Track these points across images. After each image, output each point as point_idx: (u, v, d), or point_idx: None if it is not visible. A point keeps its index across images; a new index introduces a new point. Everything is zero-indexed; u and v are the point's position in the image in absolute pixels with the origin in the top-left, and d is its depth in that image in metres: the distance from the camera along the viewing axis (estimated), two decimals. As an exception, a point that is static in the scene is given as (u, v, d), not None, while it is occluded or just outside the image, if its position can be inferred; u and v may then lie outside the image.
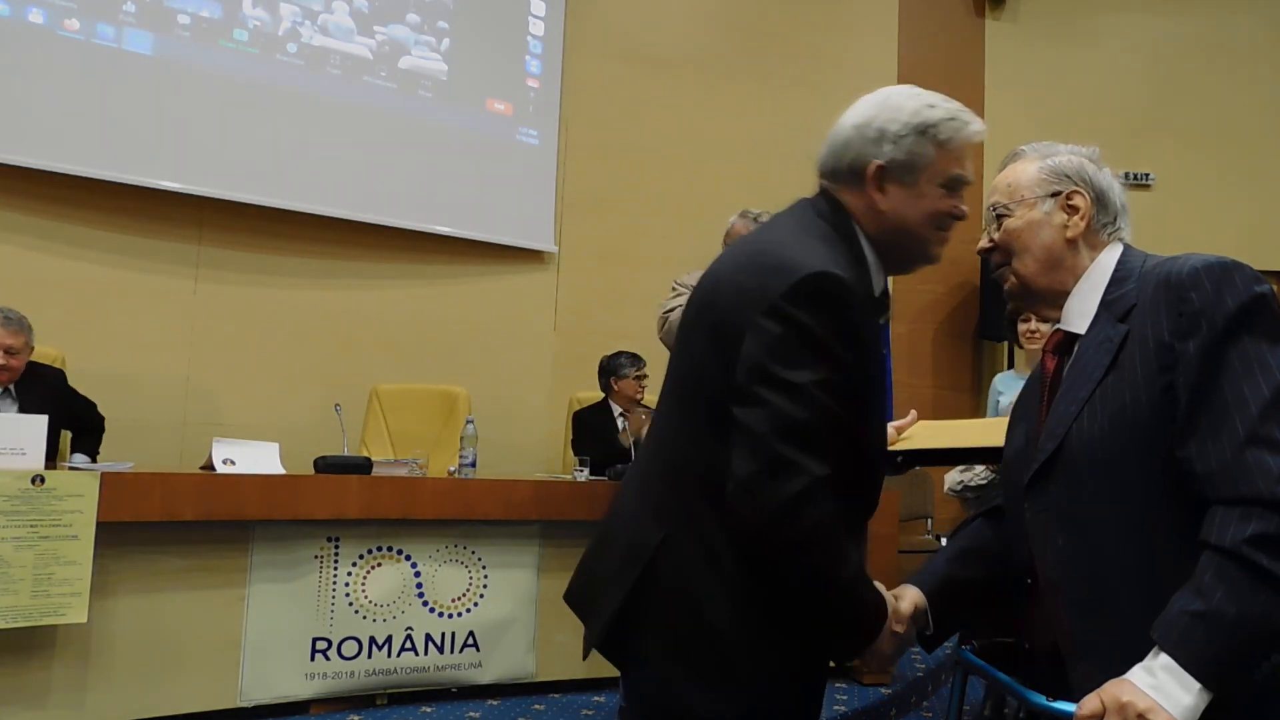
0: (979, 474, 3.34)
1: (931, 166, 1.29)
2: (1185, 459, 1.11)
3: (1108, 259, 1.29)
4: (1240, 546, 1.04)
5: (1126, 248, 1.30)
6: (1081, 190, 1.31)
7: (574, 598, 1.47)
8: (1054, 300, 1.33)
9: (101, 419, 3.77)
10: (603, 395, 4.35)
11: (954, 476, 3.45)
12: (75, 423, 3.68)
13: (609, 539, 1.42)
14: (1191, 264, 1.17)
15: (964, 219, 1.33)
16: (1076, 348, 1.27)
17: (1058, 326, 1.33)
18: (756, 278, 1.23)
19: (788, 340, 1.17)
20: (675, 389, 1.37)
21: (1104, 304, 1.25)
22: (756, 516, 1.16)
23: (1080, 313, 1.28)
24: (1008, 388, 3.41)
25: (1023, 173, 1.35)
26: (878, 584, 1.31)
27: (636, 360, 4.28)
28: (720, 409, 1.23)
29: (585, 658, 1.42)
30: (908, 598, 1.38)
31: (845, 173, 1.31)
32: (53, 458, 3.39)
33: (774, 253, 1.25)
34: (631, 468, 1.51)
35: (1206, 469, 1.09)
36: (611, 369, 4.31)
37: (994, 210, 1.36)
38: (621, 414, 4.26)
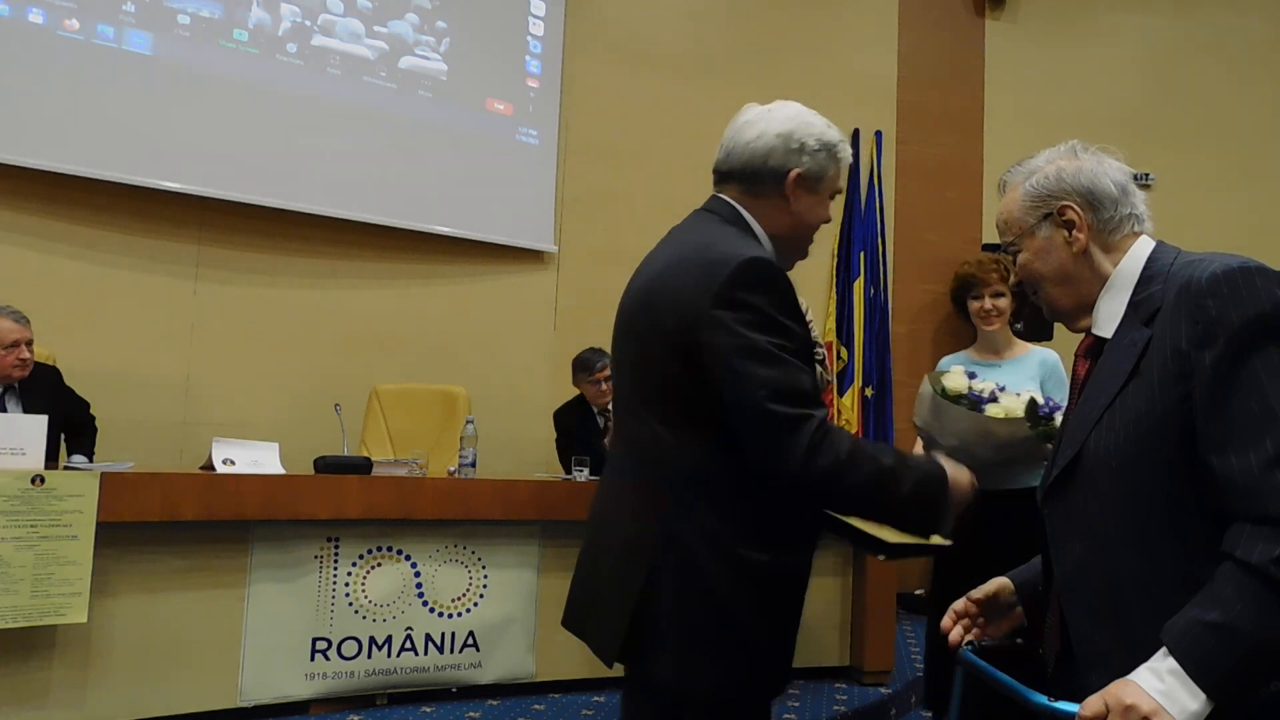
0: None
1: (828, 179, 1.49)
2: (1209, 471, 1.09)
3: (1134, 259, 1.26)
4: (1268, 565, 1.03)
5: (1158, 245, 1.27)
6: (1067, 202, 1.28)
7: (574, 620, 1.54)
8: (1088, 312, 1.31)
9: (93, 419, 3.77)
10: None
11: None
12: (70, 422, 3.68)
13: (600, 552, 1.49)
14: (1211, 269, 1.13)
15: (828, 221, 1.55)
16: (1104, 351, 1.26)
17: (1089, 330, 1.31)
18: (691, 276, 1.35)
19: (745, 321, 1.30)
20: (637, 392, 1.45)
21: (1132, 305, 1.23)
22: (792, 476, 1.28)
23: (1108, 316, 1.26)
24: None
25: (1013, 204, 1.34)
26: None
27: (587, 364, 4.15)
28: (691, 402, 1.35)
29: (611, 665, 1.47)
30: (995, 583, 1.41)
31: (766, 175, 1.46)
32: (54, 457, 3.39)
33: (700, 253, 1.39)
34: (605, 480, 1.58)
35: (1232, 484, 1.07)
36: (573, 371, 4.24)
37: (1007, 249, 1.37)
38: (601, 411, 4.22)
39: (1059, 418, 2.43)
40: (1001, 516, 2.59)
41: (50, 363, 3.69)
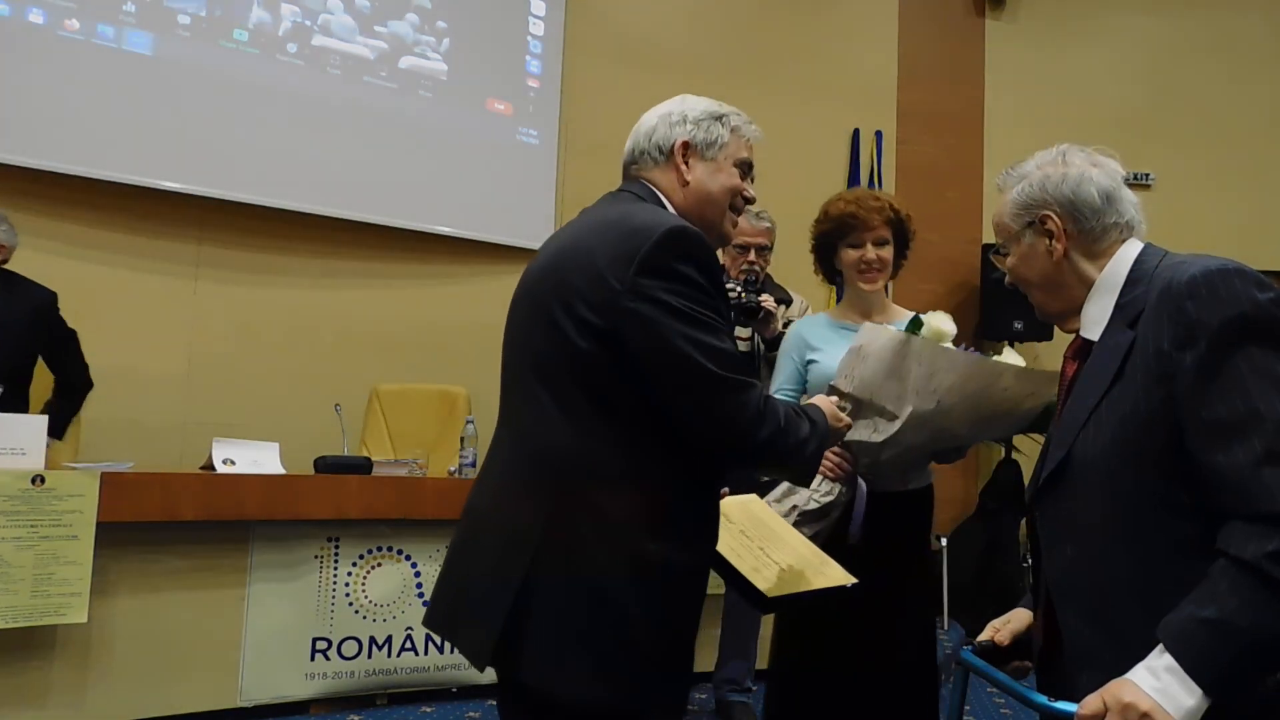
0: (820, 492, 2.05)
1: (723, 145, 1.48)
2: (1198, 471, 1.10)
3: (1120, 262, 1.27)
4: (1261, 561, 1.03)
5: (1145, 247, 1.28)
6: (1048, 211, 1.29)
7: (440, 618, 1.41)
8: (1077, 314, 1.32)
9: (79, 351, 3.68)
10: None
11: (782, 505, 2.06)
12: (53, 355, 3.60)
13: (476, 544, 1.37)
14: (1190, 271, 1.14)
15: (752, 201, 1.51)
16: (1091, 353, 1.27)
17: (1078, 333, 1.32)
18: (609, 245, 1.30)
19: (677, 290, 1.26)
20: (532, 374, 1.35)
21: (1118, 307, 1.24)
22: (742, 438, 1.28)
23: (1095, 319, 1.27)
24: (824, 344, 2.22)
25: (1004, 208, 1.36)
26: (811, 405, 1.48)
27: None
28: (596, 379, 1.28)
29: (482, 669, 1.31)
30: (1018, 619, 1.40)
31: (653, 152, 1.47)
32: (27, 386, 3.39)
33: (618, 223, 1.34)
34: (486, 467, 1.46)
35: (1222, 483, 1.08)
36: None
37: (999, 251, 1.38)
38: None
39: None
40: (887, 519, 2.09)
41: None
